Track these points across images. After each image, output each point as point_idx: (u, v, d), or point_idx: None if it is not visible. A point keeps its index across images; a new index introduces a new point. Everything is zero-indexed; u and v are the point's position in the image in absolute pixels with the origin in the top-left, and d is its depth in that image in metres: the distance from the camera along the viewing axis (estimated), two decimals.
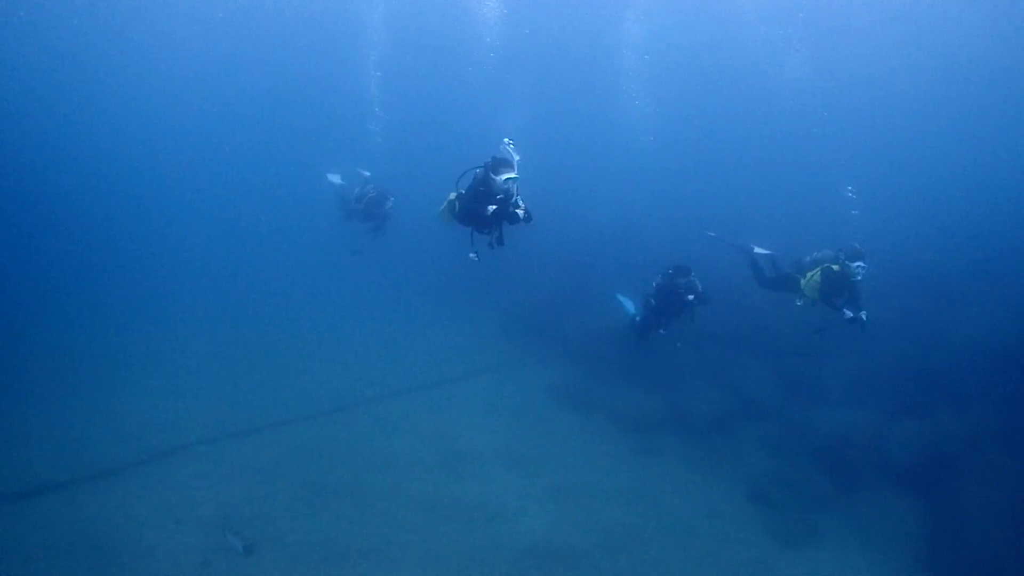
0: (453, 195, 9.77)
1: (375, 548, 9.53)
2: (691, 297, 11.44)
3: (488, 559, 9.39)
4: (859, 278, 10.86)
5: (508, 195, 8.81)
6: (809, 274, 11.41)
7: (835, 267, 11.03)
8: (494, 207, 8.75)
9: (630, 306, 13.58)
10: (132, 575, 8.62)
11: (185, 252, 26.75)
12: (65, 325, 18.17)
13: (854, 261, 10.86)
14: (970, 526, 9.60)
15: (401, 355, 17.15)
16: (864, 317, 10.85)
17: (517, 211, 8.79)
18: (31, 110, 37.15)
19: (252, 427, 12.89)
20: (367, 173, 14.51)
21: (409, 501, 10.73)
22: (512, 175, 8.68)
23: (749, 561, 9.83)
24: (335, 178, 15.06)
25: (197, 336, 17.96)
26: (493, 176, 8.67)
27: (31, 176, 33.90)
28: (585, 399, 14.63)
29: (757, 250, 12.58)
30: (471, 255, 9.10)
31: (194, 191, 35.55)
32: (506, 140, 8.98)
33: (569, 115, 38.16)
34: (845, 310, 10.97)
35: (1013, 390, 12.27)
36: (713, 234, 12.94)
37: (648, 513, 10.83)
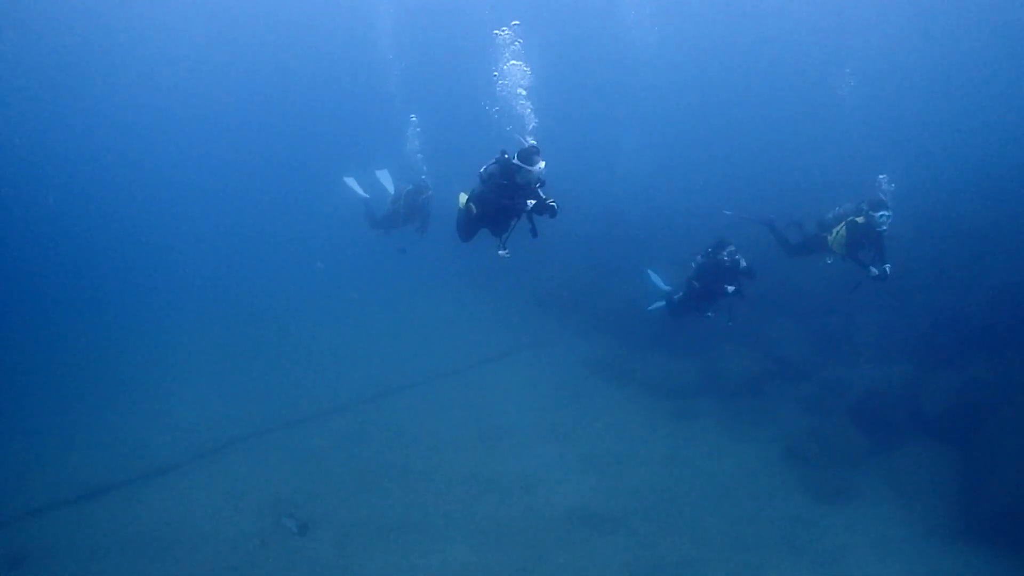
0: (464, 196, 9.41)
1: (420, 522, 9.98)
2: (731, 289, 11.15)
3: (527, 527, 9.78)
4: (884, 228, 10.63)
5: (543, 182, 8.44)
6: (835, 230, 11.24)
7: (859, 219, 10.81)
8: (533, 201, 8.30)
9: (661, 283, 13.47)
10: (193, 561, 9.16)
11: (224, 253, 27.20)
12: (111, 333, 18.87)
13: (878, 211, 10.64)
14: (1003, 476, 9.58)
15: (439, 339, 17.54)
16: (888, 270, 10.71)
17: (551, 203, 8.35)
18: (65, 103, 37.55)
19: (300, 417, 13.44)
20: (384, 171, 14.18)
21: (451, 477, 11.16)
22: (543, 162, 8.28)
23: (785, 518, 10.03)
24: (352, 183, 14.42)
25: (242, 334, 18.62)
26: (527, 167, 8.19)
27: (67, 180, 34.46)
28: (620, 369, 14.87)
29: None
30: (501, 252, 8.90)
31: (225, 189, 35.88)
32: (528, 137, 8.88)
33: (588, 95, 37.50)
34: (872, 268, 10.83)
35: None
36: (729, 213, 12.78)
37: (683, 476, 11.09)
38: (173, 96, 38.49)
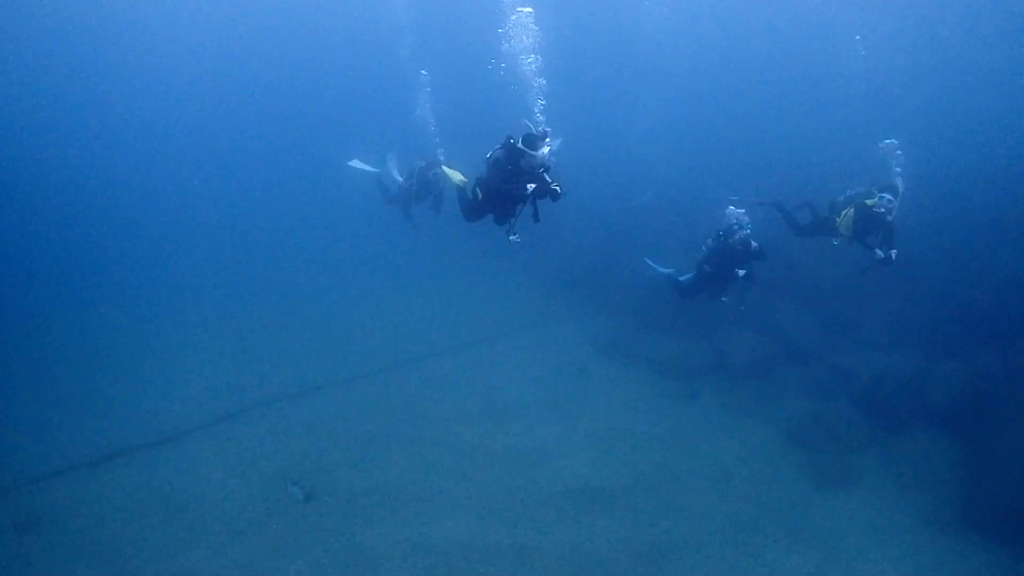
0: (458, 174, 9.60)
1: (424, 493, 10.11)
2: (742, 273, 11.04)
3: (528, 500, 9.91)
4: (881, 211, 10.49)
5: (548, 167, 8.46)
6: (844, 212, 11.10)
7: (869, 202, 10.71)
8: (533, 184, 8.35)
9: (660, 267, 13.32)
10: (200, 526, 9.32)
11: (236, 224, 27.30)
12: (125, 301, 18.99)
13: (889, 194, 10.54)
14: (1006, 469, 9.63)
15: (449, 315, 17.60)
16: (893, 256, 10.56)
17: (555, 187, 8.37)
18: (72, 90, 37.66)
19: (308, 388, 13.57)
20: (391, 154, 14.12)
21: (456, 450, 11.28)
22: (549, 147, 8.36)
23: (785, 501, 10.13)
24: (358, 163, 14.35)
25: (254, 305, 18.73)
26: (531, 152, 8.27)
27: (66, 156, 34.55)
28: (626, 349, 14.93)
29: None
30: (512, 237, 8.96)
31: (239, 158, 35.90)
32: (539, 122, 8.84)
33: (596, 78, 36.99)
34: (877, 250, 10.65)
35: None
36: (736, 198, 12.61)
37: (685, 456, 11.19)
38: (178, 62, 38.49)
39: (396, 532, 9.21)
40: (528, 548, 8.87)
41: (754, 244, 11.00)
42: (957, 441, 11.23)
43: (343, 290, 19.87)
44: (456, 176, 10.01)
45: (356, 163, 13.91)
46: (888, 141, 11.22)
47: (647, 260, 13.60)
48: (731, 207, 11.51)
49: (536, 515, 9.57)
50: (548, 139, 8.46)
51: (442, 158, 12.77)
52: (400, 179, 13.16)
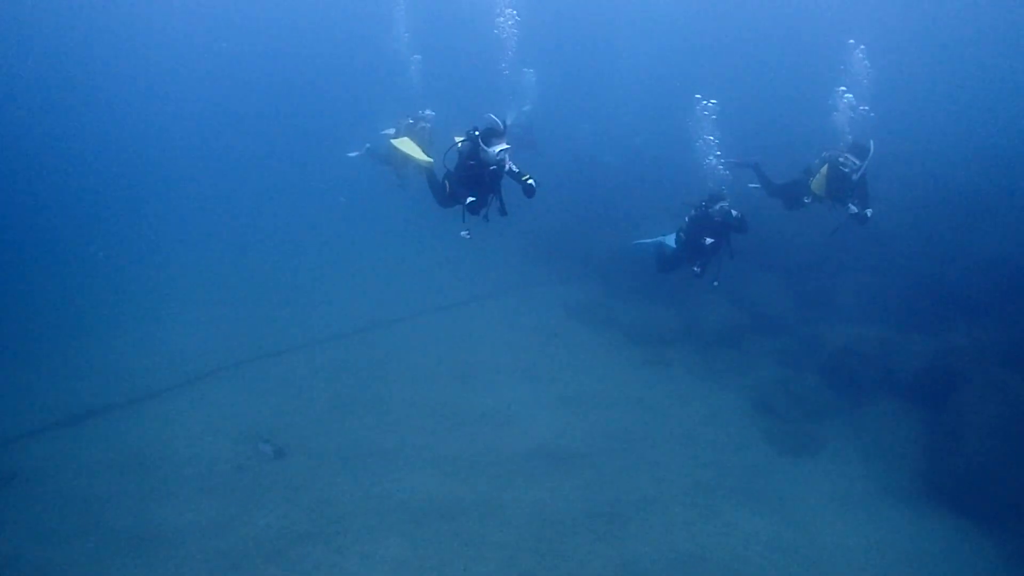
0: (425, 159, 9.62)
1: (392, 450, 10.24)
2: (709, 242, 10.78)
3: (494, 459, 10.05)
4: (846, 171, 10.42)
5: (502, 166, 8.48)
6: (818, 171, 11.04)
7: (841, 159, 10.59)
8: (472, 199, 8.49)
9: (648, 240, 13.17)
10: (172, 483, 9.43)
11: (209, 187, 27.14)
12: (99, 264, 18.94)
13: (856, 155, 10.47)
14: (969, 440, 9.70)
15: (423, 279, 17.64)
16: (869, 214, 10.56)
17: (529, 181, 8.36)
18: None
19: (281, 349, 13.65)
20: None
21: (425, 410, 11.41)
22: (505, 146, 8.33)
23: (747, 466, 10.27)
24: (355, 154, 14.25)
25: (227, 266, 18.81)
26: (485, 148, 8.30)
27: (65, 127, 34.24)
28: (601, 314, 15.06)
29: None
30: (463, 233, 8.85)
31: (215, 126, 35.65)
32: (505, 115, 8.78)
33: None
34: (851, 205, 10.61)
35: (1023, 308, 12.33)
36: (722, 165, 12.47)
37: (651, 419, 11.33)
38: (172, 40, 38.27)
39: (363, 488, 9.32)
40: (492, 505, 8.99)
41: (735, 213, 10.73)
42: (921, 413, 11.31)
43: (317, 253, 19.94)
44: (417, 154, 9.97)
45: (354, 155, 13.84)
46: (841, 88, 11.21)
47: (635, 243, 13.48)
48: (711, 159, 11.45)
49: (501, 473, 9.70)
50: (505, 138, 8.41)
51: (428, 115, 12.69)
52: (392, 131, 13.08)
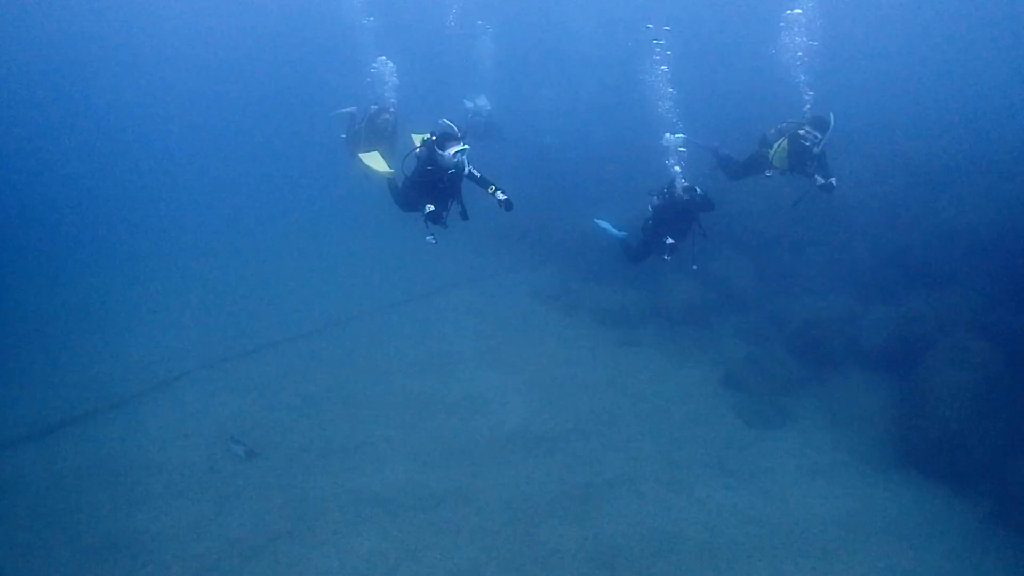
0: (385, 169, 9.62)
1: (365, 443, 10.22)
2: (670, 242, 10.49)
3: (468, 447, 10.07)
4: (807, 144, 10.45)
5: (460, 168, 8.51)
6: (777, 144, 10.99)
7: (801, 132, 10.59)
8: (431, 209, 8.51)
9: (612, 228, 13.00)
10: (145, 489, 9.33)
11: (179, 191, 26.90)
12: (65, 274, 18.68)
13: (817, 129, 10.44)
14: (937, 406, 9.86)
15: (391, 270, 17.61)
16: (834, 183, 10.57)
17: (499, 195, 8.51)
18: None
19: (249, 349, 13.55)
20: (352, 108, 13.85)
21: (396, 401, 11.40)
22: (461, 147, 8.33)
23: (718, 440, 10.40)
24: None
25: (192, 269, 18.61)
26: (440, 152, 8.31)
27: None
28: (568, 299, 15.15)
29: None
30: (428, 238, 8.87)
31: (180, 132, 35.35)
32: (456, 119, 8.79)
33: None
34: (817, 176, 10.62)
35: (986, 275, 12.50)
36: (683, 149, 12.25)
37: (622, 400, 11.42)
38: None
39: (337, 483, 9.29)
40: (466, 492, 9.01)
41: (699, 191, 10.54)
42: (888, 381, 11.53)
43: (281, 251, 19.84)
44: (379, 165, 9.95)
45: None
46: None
47: (596, 221, 13.02)
48: (668, 135, 11.38)
49: (475, 461, 9.72)
50: (462, 141, 8.41)
51: (391, 106, 12.50)
52: (352, 110, 12.95)
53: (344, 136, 12.97)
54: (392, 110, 12.43)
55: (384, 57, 14.19)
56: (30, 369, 13.05)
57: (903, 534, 8.46)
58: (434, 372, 12.37)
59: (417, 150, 8.77)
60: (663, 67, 13.22)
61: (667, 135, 11.36)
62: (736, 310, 14.08)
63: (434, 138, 8.41)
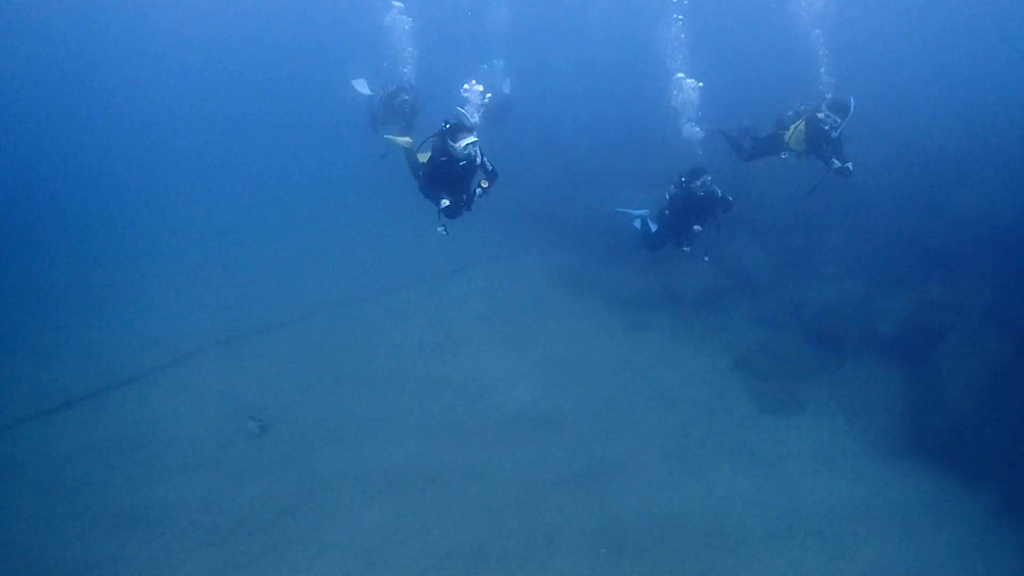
0: (406, 140, 9.51)
1: (376, 421, 10.31)
2: (698, 229, 10.39)
3: (478, 425, 10.15)
4: (827, 128, 10.21)
5: (472, 160, 8.51)
6: (794, 126, 10.79)
7: (820, 115, 10.33)
8: (446, 204, 8.54)
9: (635, 212, 12.93)
10: (160, 462, 9.48)
11: (189, 167, 26.91)
12: (77, 249, 18.80)
13: (836, 113, 10.20)
14: (950, 395, 9.80)
15: (404, 251, 17.53)
16: (851, 167, 10.35)
17: (481, 185, 8.68)
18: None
19: (265, 326, 13.64)
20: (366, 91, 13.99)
21: (408, 381, 11.47)
22: (471, 139, 8.34)
23: (728, 424, 10.38)
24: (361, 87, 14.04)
25: (207, 246, 18.66)
26: (452, 143, 8.30)
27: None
28: (581, 281, 15.12)
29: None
30: (440, 229, 8.85)
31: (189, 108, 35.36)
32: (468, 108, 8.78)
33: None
34: (834, 160, 10.35)
35: (1002, 266, 12.37)
36: (699, 131, 12.12)
37: (633, 382, 11.42)
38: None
39: (348, 458, 9.40)
40: (476, 470, 9.10)
41: (719, 191, 10.25)
42: (901, 370, 11.42)
43: (298, 229, 19.86)
44: (402, 140, 9.95)
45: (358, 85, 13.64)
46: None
47: (618, 210, 12.86)
48: (688, 124, 11.30)
49: (484, 440, 9.80)
50: (473, 134, 8.42)
51: (409, 86, 12.48)
52: (368, 93, 12.94)
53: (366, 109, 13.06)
54: (410, 91, 12.40)
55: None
56: (44, 346, 13.18)
57: (911, 522, 8.46)
58: (445, 352, 12.42)
59: (432, 139, 8.72)
60: (681, 35, 13.05)
61: (688, 125, 11.27)
62: (750, 295, 13.99)
63: (447, 125, 8.41)
